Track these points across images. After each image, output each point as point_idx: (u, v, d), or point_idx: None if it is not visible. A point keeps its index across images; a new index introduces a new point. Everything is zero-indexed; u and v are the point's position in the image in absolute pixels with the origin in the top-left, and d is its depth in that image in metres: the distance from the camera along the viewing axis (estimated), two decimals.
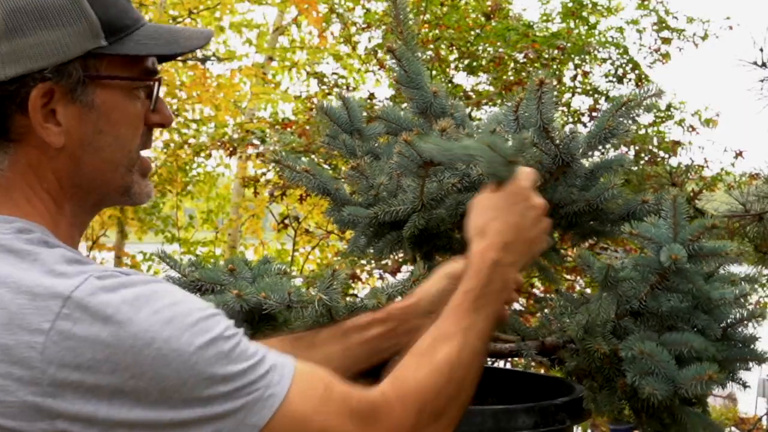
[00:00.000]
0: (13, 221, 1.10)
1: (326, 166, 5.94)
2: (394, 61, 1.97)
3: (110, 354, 0.95)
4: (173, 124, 9.88)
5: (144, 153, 1.23)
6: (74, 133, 1.12)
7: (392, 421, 1.11)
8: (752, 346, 1.86)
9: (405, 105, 4.19)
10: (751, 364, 1.88)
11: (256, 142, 7.12)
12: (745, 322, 1.85)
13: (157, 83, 1.20)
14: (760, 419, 6.09)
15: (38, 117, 1.09)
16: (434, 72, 6.93)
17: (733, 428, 6.59)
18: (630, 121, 1.84)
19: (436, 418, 1.15)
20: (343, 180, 2.09)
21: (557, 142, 1.77)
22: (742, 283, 1.86)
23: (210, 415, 0.99)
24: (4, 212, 1.11)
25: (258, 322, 1.92)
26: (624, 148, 6.12)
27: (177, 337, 0.98)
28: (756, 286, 1.91)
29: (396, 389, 1.14)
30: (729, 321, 1.84)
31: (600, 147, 1.88)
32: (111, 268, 1.04)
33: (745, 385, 1.93)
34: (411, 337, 1.34)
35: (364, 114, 2.17)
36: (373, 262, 6.75)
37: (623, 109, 1.78)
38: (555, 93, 1.74)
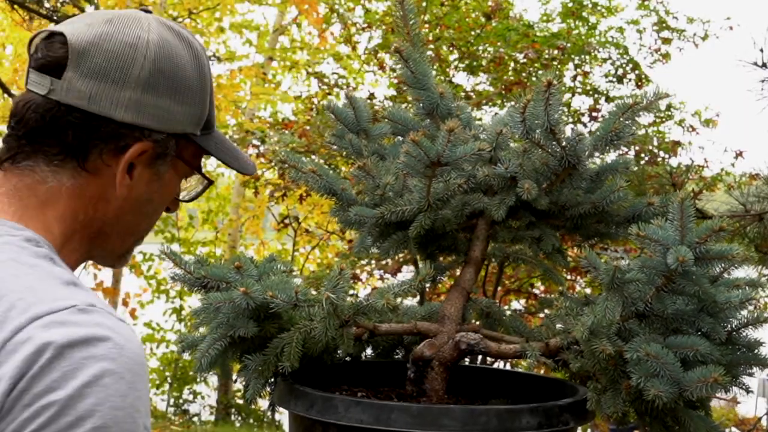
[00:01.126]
0: (22, 229, 1.11)
1: (326, 167, 5.94)
2: (400, 61, 1.97)
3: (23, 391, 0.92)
4: None
5: None
6: (136, 191, 1.19)
7: None
8: (756, 350, 1.86)
9: (405, 105, 4.20)
10: (754, 369, 1.88)
11: (256, 142, 7.12)
12: (750, 326, 1.85)
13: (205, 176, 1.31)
14: (759, 419, 6.10)
15: (125, 167, 1.15)
16: (434, 72, 6.92)
17: (733, 428, 6.61)
18: (633, 124, 1.84)
19: None
20: (346, 179, 2.09)
21: (563, 144, 1.77)
22: (746, 287, 1.86)
23: None
24: (26, 221, 1.12)
25: (263, 320, 1.93)
26: (624, 149, 6.13)
27: None
28: (759, 289, 1.91)
29: None
30: (734, 325, 1.84)
31: (605, 149, 1.88)
32: (100, 305, 1.02)
33: (747, 390, 1.93)
34: None
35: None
36: (373, 262, 6.76)
37: (629, 112, 1.78)
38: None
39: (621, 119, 1.78)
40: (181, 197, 1.31)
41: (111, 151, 1.15)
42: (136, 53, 1.14)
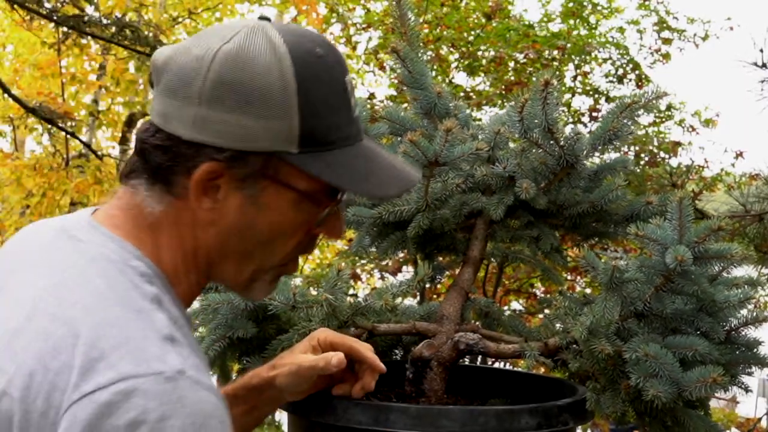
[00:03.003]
0: (140, 258, 1.08)
1: None
2: (397, 61, 1.96)
3: None
4: None
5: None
6: (228, 217, 1.10)
7: None
8: (755, 350, 1.85)
9: (405, 105, 4.22)
10: (753, 368, 1.88)
11: None
12: (749, 325, 1.85)
13: (331, 205, 1.15)
14: (759, 420, 6.10)
15: (198, 189, 1.07)
16: (434, 72, 6.92)
17: (734, 429, 6.61)
18: (632, 123, 1.84)
19: None
20: None
21: (561, 143, 1.77)
22: (745, 286, 1.85)
23: None
24: (141, 244, 1.09)
25: (262, 321, 1.92)
26: (624, 149, 6.14)
27: None
28: (758, 288, 1.91)
29: None
30: (732, 324, 1.84)
31: (604, 148, 1.88)
32: (190, 371, 0.98)
33: (747, 389, 1.92)
34: (272, 406, 1.45)
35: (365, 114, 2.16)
36: (373, 262, 6.76)
37: (627, 110, 1.77)
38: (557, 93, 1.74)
39: (619, 118, 1.78)
40: (316, 231, 1.17)
41: (185, 173, 1.07)
42: (200, 66, 1.04)
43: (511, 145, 1.99)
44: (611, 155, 1.99)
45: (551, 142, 1.79)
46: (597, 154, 1.94)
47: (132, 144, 1.18)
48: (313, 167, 1.08)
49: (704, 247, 1.67)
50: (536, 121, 1.71)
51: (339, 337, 1.48)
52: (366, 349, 1.47)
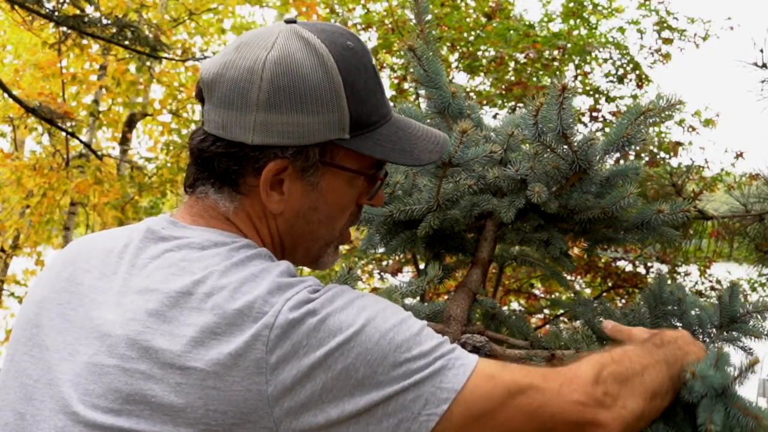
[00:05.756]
0: (236, 239, 1.18)
1: None
2: (413, 60, 1.96)
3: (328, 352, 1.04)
4: (173, 125, 9.89)
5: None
6: (293, 204, 1.22)
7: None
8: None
9: (405, 105, 4.19)
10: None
11: None
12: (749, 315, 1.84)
13: (381, 179, 1.28)
14: None
15: (266, 186, 1.18)
16: None
17: None
18: (644, 129, 1.84)
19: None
20: None
21: (575, 148, 1.76)
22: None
23: (409, 384, 1.06)
24: (231, 231, 1.21)
25: None
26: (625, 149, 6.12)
27: (378, 324, 1.07)
28: (756, 286, 1.90)
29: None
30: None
31: (616, 154, 1.87)
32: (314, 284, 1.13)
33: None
34: None
35: None
36: (374, 262, 6.76)
37: (642, 117, 1.77)
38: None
39: (634, 124, 1.77)
40: (362, 201, 1.31)
41: (252, 173, 1.18)
42: (252, 77, 1.14)
43: (524, 147, 1.99)
44: (616, 156, 1.99)
45: (565, 146, 1.78)
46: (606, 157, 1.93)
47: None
48: (364, 148, 1.19)
49: None
50: (551, 125, 1.71)
51: None
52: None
